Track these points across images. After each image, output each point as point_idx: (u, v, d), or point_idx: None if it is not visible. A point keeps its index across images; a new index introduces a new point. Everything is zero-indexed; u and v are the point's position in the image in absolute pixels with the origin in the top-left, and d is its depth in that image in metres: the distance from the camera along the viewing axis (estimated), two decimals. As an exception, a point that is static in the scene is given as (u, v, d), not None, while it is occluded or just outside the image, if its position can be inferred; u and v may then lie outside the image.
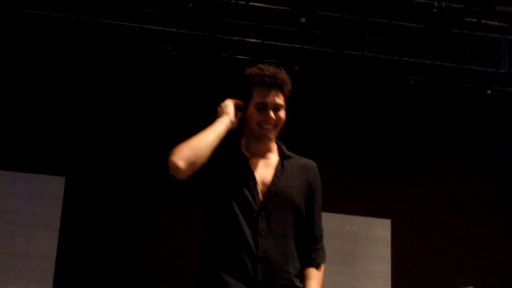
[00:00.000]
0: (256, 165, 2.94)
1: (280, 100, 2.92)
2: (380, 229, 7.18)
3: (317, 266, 3.02)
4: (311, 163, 3.04)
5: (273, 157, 2.99)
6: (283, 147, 3.02)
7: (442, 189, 7.68)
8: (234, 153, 2.96)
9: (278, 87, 2.92)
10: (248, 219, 2.88)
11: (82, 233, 6.69)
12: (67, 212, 6.70)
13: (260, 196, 2.89)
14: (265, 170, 2.94)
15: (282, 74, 2.95)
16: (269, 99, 2.90)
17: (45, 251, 6.46)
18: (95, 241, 6.67)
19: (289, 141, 3.18)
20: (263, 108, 2.90)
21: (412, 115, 7.86)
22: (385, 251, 7.06)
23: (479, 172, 7.80)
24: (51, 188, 6.71)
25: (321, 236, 3.06)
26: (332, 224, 6.90)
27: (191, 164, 2.80)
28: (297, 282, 2.94)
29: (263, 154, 2.97)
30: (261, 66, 2.96)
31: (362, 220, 7.16)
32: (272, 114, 2.90)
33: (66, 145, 6.98)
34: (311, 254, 3.00)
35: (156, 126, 7.10)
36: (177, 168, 2.78)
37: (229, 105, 2.93)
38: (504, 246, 7.45)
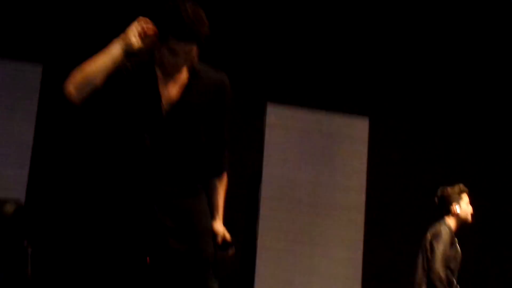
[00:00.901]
0: (164, 84, 2.88)
1: (193, 51, 2.85)
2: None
3: (219, 176, 3.11)
4: (221, 80, 3.02)
5: (183, 76, 2.93)
6: (195, 64, 2.89)
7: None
8: (145, 69, 2.92)
9: (196, 40, 2.79)
10: (148, 130, 2.87)
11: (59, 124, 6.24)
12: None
13: (163, 114, 2.84)
14: (172, 89, 2.87)
15: (203, 26, 2.81)
16: (183, 50, 2.82)
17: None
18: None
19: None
20: (175, 54, 2.81)
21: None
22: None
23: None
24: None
25: (223, 149, 2.93)
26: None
27: (82, 89, 2.88)
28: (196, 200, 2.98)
29: (173, 75, 2.88)
30: (181, 7, 2.82)
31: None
32: (182, 61, 2.80)
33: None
34: (214, 166, 2.92)
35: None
36: (69, 94, 2.88)
37: (133, 30, 2.89)
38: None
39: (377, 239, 5.94)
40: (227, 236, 3.07)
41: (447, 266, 5.04)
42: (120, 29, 2.95)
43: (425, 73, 6.96)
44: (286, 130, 6.59)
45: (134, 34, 2.89)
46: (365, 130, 6.65)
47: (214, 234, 3.08)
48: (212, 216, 3.10)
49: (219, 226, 3.08)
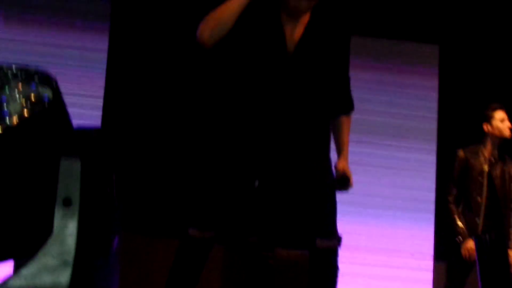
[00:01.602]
0: (288, 26, 2.98)
1: None
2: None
3: (348, 113, 3.22)
4: (340, 21, 3.02)
5: (307, 18, 3.00)
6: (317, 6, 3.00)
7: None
8: (270, 12, 3.02)
9: None
10: (272, 70, 2.98)
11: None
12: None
13: (288, 54, 2.95)
14: (296, 31, 2.97)
15: None
16: None
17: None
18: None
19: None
20: None
21: None
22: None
23: None
24: None
25: (348, 86, 3.04)
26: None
27: (215, 34, 3.00)
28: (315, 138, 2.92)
29: (297, 17, 2.97)
30: None
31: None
32: (305, 3, 2.90)
33: None
34: (343, 102, 3.02)
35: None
36: (202, 40, 3.01)
37: None
38: None
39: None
40: (347, 172, 3.15)
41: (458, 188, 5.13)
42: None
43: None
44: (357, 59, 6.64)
45: None
46: (435, 57, 6.69)
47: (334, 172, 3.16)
48: (337, 154, 3.22)
49: (340, 163, 3.16)
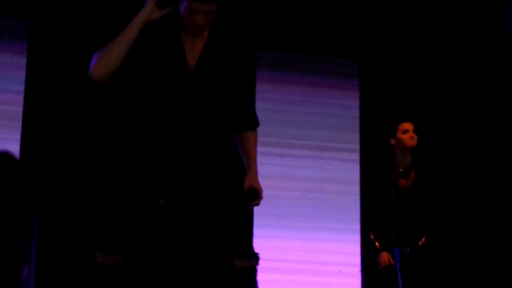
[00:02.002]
0: (188, 43, 2.99)
1: (213, 9, 2.92)
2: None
3: (253, 129, 3.01)
4: (242, 36, 3.05)
5: (207, 34, 3.01)
6: (217, 22, 3.02)
7: None
8: (169, 30, 3.02)
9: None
10: (174, 90, 2.97)
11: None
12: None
13: (188, 71, 2.95)
14: (196, 47, 2.98)
15: None
16: (202, 8, 2.96)
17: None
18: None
19: None
20: (195, 13, 2.93)
21: None
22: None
23: None
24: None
25: (253, 103, 3.05)
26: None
27: (107, 69, 2.98)
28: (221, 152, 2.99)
29: (195, 34, 2.97)
30: None
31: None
32: (201, 20, 2.91)
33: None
34: (248, 118, 3.03)
35: None
36: (96, 78, 2.99)
37: (150, 2, 3.05)
38: None
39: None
40: (254, 185, 3.10)
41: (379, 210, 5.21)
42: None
43: (412, 14, 7.00)
44: (278, 74, 6.67)
45: (151, 7, 3.05)
46: (356, 70, 6.79)
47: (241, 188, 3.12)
48: (246, 170, 3.17)
49: (247, 178, 3.11)
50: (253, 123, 3.21)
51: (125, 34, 3.01)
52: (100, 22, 6.06)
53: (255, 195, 3.04)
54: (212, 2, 2.96)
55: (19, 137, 5.95)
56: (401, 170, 5.24)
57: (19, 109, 6.01)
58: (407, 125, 5.30)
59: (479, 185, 6.81)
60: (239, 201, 3.08)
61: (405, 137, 5.25)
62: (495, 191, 6.80)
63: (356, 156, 6.69)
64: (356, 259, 6.48)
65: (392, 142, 5.30)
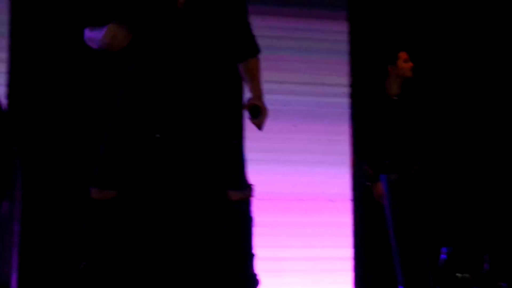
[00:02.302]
0: None
1: None
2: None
3: (255, 56, 3.20)
4: None
5: None
6: None
7: None
8: None
9: None
10: (165, 23, 2.91)
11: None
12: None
13: (179, 4, 2.91)
14: None
15: None
16: None
17: None
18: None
19: None
20: None
21: None
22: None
23: None
24: None
25: (250, 29, 3.01)
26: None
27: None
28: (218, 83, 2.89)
29: None
30: None
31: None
32: None
33: None
34: (248, 46, 3.01)
35: None
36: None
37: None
38: None
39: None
40: (256, 103, 3.10)
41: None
42: None
43: None
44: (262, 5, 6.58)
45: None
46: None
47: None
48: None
49: (251, 99, 3.11)
50: (254, 50, 3.20)
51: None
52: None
53: (257, 112, 3.04)
54: None
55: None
56: (396, 98, 5.24)
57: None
58: (405, 54, 5.32)
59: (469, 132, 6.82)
60: (234, 133, 3.08)
61: (407, 66, 5.26)
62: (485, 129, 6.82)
63: (346, 86, 6.65)
64: (347, 190, 6.51)
65: (391, 70, 5.29)
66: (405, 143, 5.18)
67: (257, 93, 3.15)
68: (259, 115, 3.05)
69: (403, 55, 5.31)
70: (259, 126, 3.10)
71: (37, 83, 5.89)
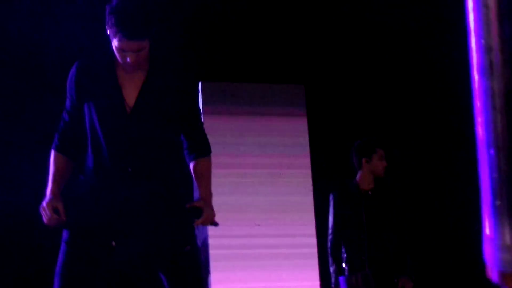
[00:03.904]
0: (125, 81, 2.97)
1: (139, 44, 2.87)
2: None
3: (201, 157, 3.16)
4: (181, 69, 3.01)
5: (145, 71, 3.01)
6: (157, 56, 2.98)
7: None
8: (105, 71, 3.00)
9: (137, 38, 2.86)
10: (114, 131, 2.94)
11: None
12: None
13: (127, 110, 2.93)
14: (133, 85, 2.96)
15: (141, 23, 2.86)
16: (129, 47, 2.89)
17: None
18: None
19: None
20: (124, 51, 2.89)
21: None
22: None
23: None
24: None
25: (200, 129, 3.04)
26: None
27: None
28: (168, 188, 2.89)
29: (131, 72, 2.98)
30: (118, 6, 2.90)
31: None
32: (132, 58, 2.88)
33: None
34: (193, 148, 3.02)
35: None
36: None
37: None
38: None
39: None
40: (198, 205, 3.10)
41: (339, 231, 5.05)
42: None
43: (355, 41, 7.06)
44: (222, 105, 6.65)
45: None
46: (301, 97, 6.81)
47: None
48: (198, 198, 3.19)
49: (196, 201, 3.13)
50: (204, 150, 3.18)
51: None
52: None
53: (198, 213, 3.06)
54: (139, 39, 2.87)
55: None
56: (370, 192, 5.09)
57: None
58: (383, 152, 5.13)
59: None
60: (187, 239, 3.07)
61: (383, 164, 5.08)
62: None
63: (309, 183, 6.67)
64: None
65: (365, 163, 5.10)
66: (381, 238, 4.99)
67: (204, 193, 3.13)
68: (201, 216, 3.07)
69: (380, 152, 5.11)
70: (203, 225, 3.12)
71: None
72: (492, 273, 1.25)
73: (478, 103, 1.36)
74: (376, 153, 5.11)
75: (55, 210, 2.99)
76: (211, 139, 3.27)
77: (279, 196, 6.60)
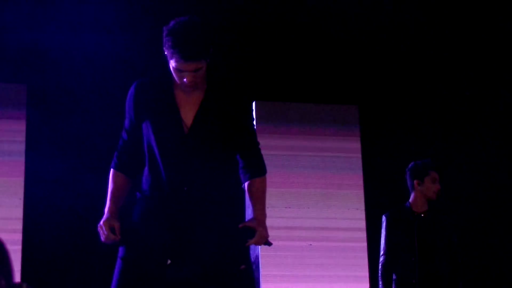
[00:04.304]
0: (183, 102, 2.99)
1: (196, 65, 2.90)
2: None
3: (256, 177, 3.15)
4: (238, 86, 3.02)
5: (202, 91, 3.08)
6: (214, 76, 2.99)
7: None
8: (164, 92, 3.04)
9: (193, 59, 2.89)
10: (171, 151, 2.96)
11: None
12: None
13: (185, 130, 2.95)
14: (191, 106, 2.98)
15: (197, 44, 2.91)
16: (186, 68, 2.92)
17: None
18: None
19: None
20: (181, 72, 2.93)
21: None
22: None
23: None
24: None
25: (256, 149, 3.03)
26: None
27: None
28: (223, 207, 2.90)
29: (188, 92, 3.00)
30: (175, 28, 2.93)
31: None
32: (189, 78, 2.91)
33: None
34: (248, 168, 3.02)
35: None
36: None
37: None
38: None
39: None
40: (251, 225, 3.11)
41: (391, 253, 4.99)
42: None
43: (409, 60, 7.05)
44: (276, 124, 6.69)
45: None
46: (355, 117, 6.81)
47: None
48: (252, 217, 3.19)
49: (249, 221, 3.14)
50: (260, 170, 3.20)
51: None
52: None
53: (251, 233, 3.06)
54: (196, 61, 2.91)
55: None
56: (423, 215, 5.02)
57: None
58: (436, 175, 5.05)
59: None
60: (242, 258, 3.07)
61: (435, 188, 5.01)
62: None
63: (361, 203, 6.66)
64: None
65: (417, 186, 5.03)
66: (433, 262, 4.92)
67: (258, 214, 3.13)
68: (253, 236, 3.08)
69: (434, 174, 5.03)
70: (256, 244, 3.12)
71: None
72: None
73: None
74: (429, 175, 5.05)
75: (111, 229, 3.04)
76: (264, 158, 3.28)
77: (331, 216, 6.59)
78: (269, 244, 3.16)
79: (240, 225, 3.10)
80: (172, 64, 2.96)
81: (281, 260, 6.35)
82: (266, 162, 3.25)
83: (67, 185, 6.00)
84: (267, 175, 3.26)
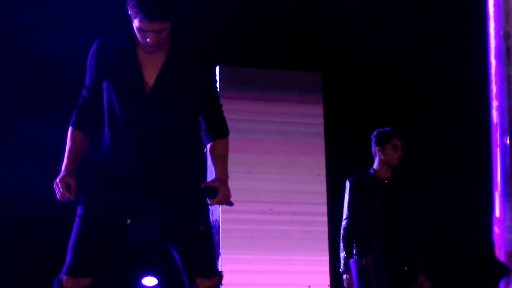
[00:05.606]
0: (145, 62, 2.99)
1: (160, 26, 2.89)
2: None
3: (219, 138, 3.17)
4: (204, 46, 3.03)
5: (165, 51, 3.08)
6: (177, 38, 2.99)
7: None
8: (125, 51, 3.02)
9: (158, 19, 2.88)
10: (132, 111, 2.96)
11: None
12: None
13: (147, 90, 2.95)
14: (153, 65, 2.98)
15: (162, 4, 2.89)
16: (150, 28, 2.91)
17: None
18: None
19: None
20: (144, 32, 2.91)
21: None
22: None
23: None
24: None
25: (218, 111, 3.05)
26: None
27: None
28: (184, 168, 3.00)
29: (151, 52, 3.01)
30: None
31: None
32: (152, 39, 2.90)
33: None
34: (211, 129, 3.04)
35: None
36: None
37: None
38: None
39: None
40: (214, 185, 3.13)
41: (354, 217, 5.05)
42: None
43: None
44: (239, 90, 6.67)
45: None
46: (319, 84, 6.82)
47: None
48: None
49: (211, 181, 3.16)
50: (223, 132, 3.20)
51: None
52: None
53: (213, 193, 3.08)
54: (161, 20, 2.89)
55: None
56: (386, 181, 5.08)
57: None
58: (399, 142, 5.08)
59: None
60: (201, 219, 3.10)
61: (396, 155, 5.05)
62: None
63: (323, 169, 6.69)
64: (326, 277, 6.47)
65: (379, 153, 5.08)
66: (394, 227, 5.00)
67: (220, 174, 3.15)
68: (216, 196, 3.09)
69: (395, 142, 5.05)
70: (218, 204, 3.15)
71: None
72: (500, 254, 1.28)
73: (494, 88, 1.37)
74: (389, 143, 5.09)
75: (67, 186, 3.03)
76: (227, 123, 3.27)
77: (292, 182, 6.62)
78: (231, 204, 3.18)
79: (203, 185, 3.13)
80: (135, 23, 2.93)
81: (241, 224, 6.38)
82: (228, 127, 3.26)
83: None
84: (229, 140, 3.27)
